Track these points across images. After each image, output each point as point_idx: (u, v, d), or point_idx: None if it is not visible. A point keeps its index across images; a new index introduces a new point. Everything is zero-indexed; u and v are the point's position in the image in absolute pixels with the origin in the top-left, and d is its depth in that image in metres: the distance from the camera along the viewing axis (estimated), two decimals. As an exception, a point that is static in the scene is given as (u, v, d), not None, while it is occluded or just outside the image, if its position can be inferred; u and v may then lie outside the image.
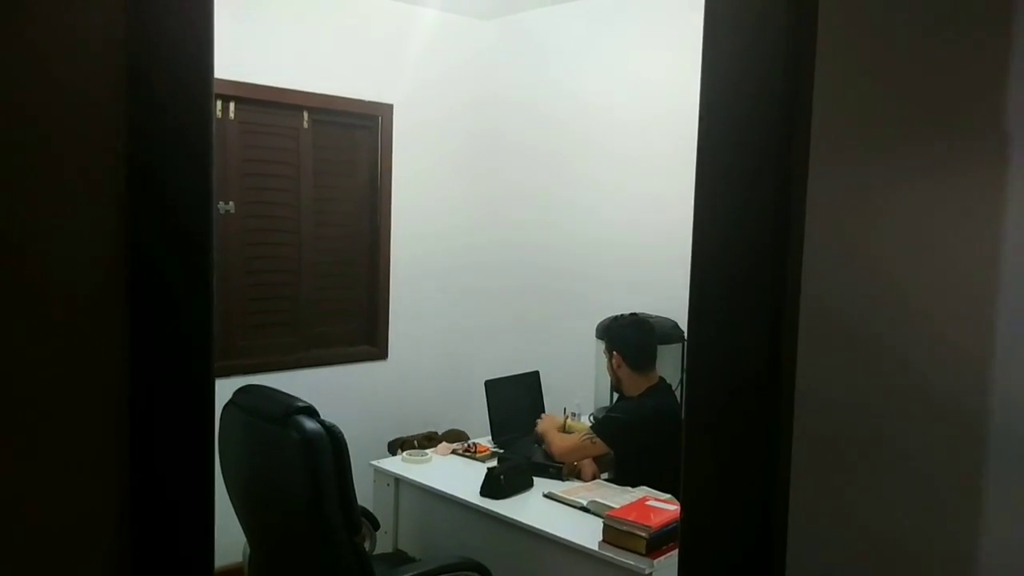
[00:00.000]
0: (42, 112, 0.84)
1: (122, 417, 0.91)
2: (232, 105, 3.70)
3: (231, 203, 3.74)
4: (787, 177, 0.99)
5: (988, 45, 0.88)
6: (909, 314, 0.93)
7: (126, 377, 0.90)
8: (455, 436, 3.95)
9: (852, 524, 0.98)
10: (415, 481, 3.20)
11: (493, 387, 3.57)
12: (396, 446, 3.91)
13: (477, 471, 3.11)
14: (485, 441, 3.56)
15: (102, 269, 0.89)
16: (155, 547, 0.94)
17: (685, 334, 3.17)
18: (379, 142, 4.21)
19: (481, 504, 2.92)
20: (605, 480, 3.14)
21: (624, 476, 3.11)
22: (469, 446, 3.50)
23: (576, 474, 3.17)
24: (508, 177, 4.50)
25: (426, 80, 4.31)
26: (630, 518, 2.51)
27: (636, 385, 3.26)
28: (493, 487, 2.95)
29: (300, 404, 2.48)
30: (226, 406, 2.69)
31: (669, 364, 3.42)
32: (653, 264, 3.75)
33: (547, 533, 2.69)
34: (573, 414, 3.65)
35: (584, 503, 2.83)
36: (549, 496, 2.95)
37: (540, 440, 3.39)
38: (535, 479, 3.08)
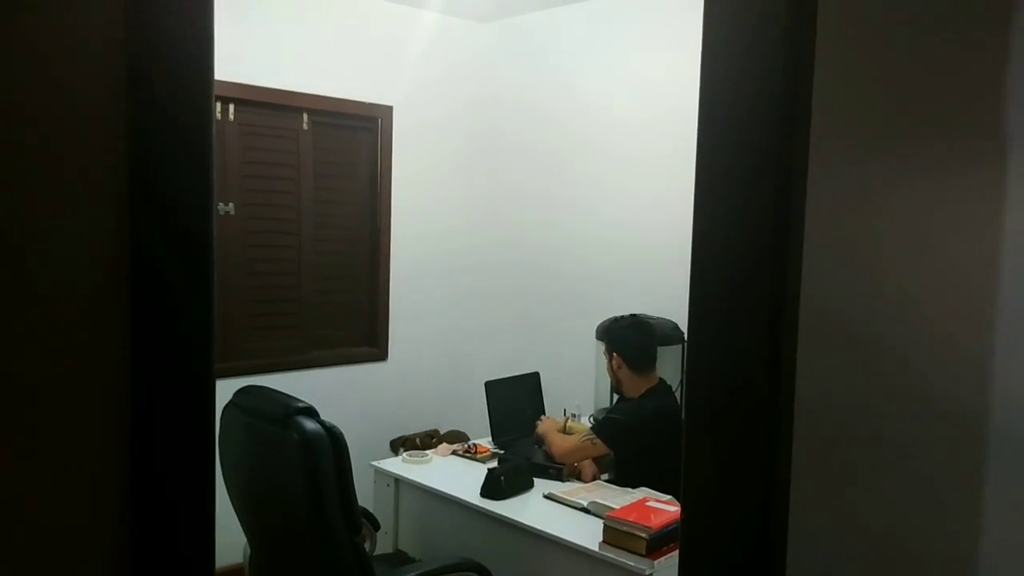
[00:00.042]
0: (42, 112, 0.84)
1: (122, 417, 0.91)
2: (232, 107, 3.70)
3: (231, 205, 3.74)
4: (787, 177, 0.99)
5: (988, 45, 0.88)
6: (909, 314, 0.93)
7: (126, 377, 0.90)
8: (455, 437, 3.95)
9: (852, 524, 0.98)
10: (415, 482, 3.20)
11: (493, 388, 3.57)
12: (398, 444, 3.91)
13: (477, 472, 3.11)
14: (485, 442, 3.56)
15: (102, 269, 0.89)
16: (156, 547, 0.94)
17: (685, 336, 3.18)
18: (379, 144, 4.21)
19: (481, 505, 2.92)
20: (605, 481, 3.14)
21: (624, 477, 3.11)
22: (469, 447, 3.50)
23: (576, 475, 3.17)
24: (508, 178, 4.51)
25: (426, 82, 4.32)
26: (630, 519, 2.51)
27: (636, 386, 3.26)
28: (493, 488, 2.95)
29: (300, 405, 2.48)
30: (226, 407, 2.69)
31: (669, 365, 3.42)
32: (653, 265, 3.76)
33: (547, 534, 2.69)
34: (573, 415, 3.65)
35: (584, 504, 2.83)
36: (549, 497, 2.95)
37: (540, 441, 3.40)
38: (535, 480, 3.08)
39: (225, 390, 2.41)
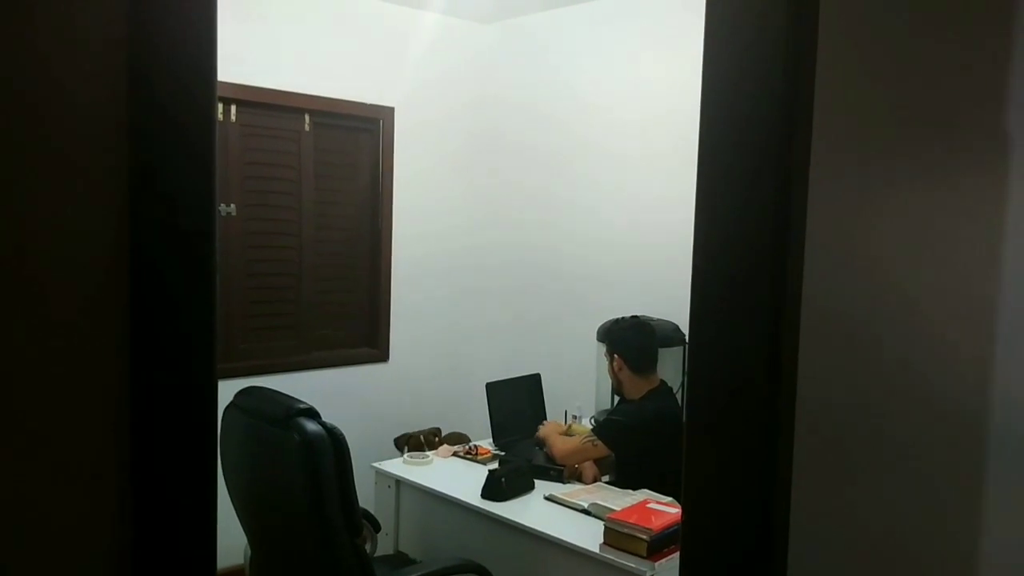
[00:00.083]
0: (43, 112, 0.84)
1: (123, 418, 0.91)
2: (233, 108, 3.70)
3: (232, 205, 3.75)
4: (787, 177, 0.99)
5: (988, 46, 0.88)
6: (910, 314, 0.93)
7: (127, 378, 0.90)
8: (456, 438, 3.95)
9: (852, 524, 0.98)
10: (416, 483, 3.20)
11: (494, 389, 3.57)
12: (403, 442, 3.92)
13: (478, 473, 3.11)
14: (486, 443, 3.57)
15: (103, 270, 0.89)
16: (157, 549, 0.94)
17: (686, 337, 3.18)
18: (380, 145, 4.21)
19: (482, 506, 2.92)
20: (606, 483, 3.14)
21: (625, 479, 3.11)
22: (470, 448, 3.50)
23: (577, 477, 3.17)
24: (509, 179, 4.51)
25: (427, 83, 4.32)
26: (631, 521, 2.51)
27: (637, 388, 3.26)
28: (494, 489, 2.95)
29: (301, 406, 2.48)
30: (227, 408, 2.69)
31: (670, 367, 3.42)
32: (654, 266, 3.76)
33: (548, 535, 2.69)
34: (575, 416, 3.65)
35: (585, 506, 2.83)
36: (550, 498, 2.95)
37: (541, 443, 3.40)
38: (536, 481, 3.08)
39: (226, 391, 2.41)
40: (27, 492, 0.87)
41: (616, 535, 2.51)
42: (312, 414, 2.47)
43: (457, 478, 3.19)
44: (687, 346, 3.25)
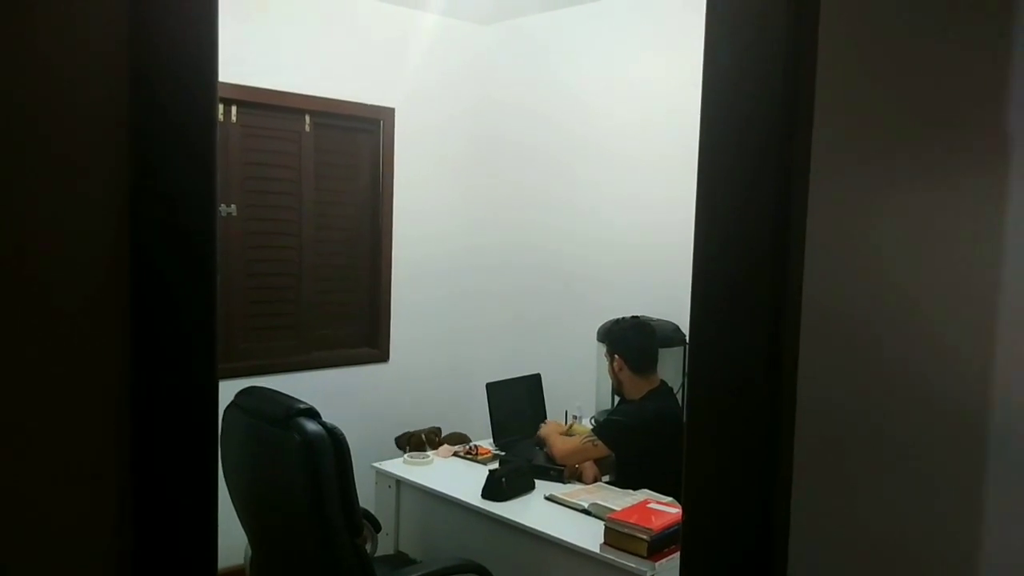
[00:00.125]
0: (44, 112, 0.84)
1: (123, 418, 0.91)
2: (234, 108, 3.70)
3: (233, 206, 3.75)
4: (787, 177, 0.99)
5: (989, 46, 0.88)
6: (910, 314, 0.93)
7: (127, 378, 0.90)
8: (456, 438, 3.95)
9: (853, 524, 0.98)
10: (416, 483, 3.20)
11: (494, 389, 3.57)
12: (404, 441, 3.92)
13: (478, 473, 3.11)
14: (486, 443, 3.57)
15: (103, 270, 0.89)
16: (157, 549, 0.94)
17: (687, 337, 3.18)
18: (380, 145, 4.22)
19: (482, 506, 2.92)
20: (606, 483, 3.14)
21: (625, 479, 3.11)
22: (470, 448, 3.50)
23: (577, 477, 3.17)
24: (509, 179, 4.51)
25: (427, 84, 4.32)
26: (631, 521, 2.51)
27: (637, 388, 3.26)
28: (494, 489, 2.95)
29: (302, 406, 2.48)
30: (228, 408, 2.69)
31: (670, 367, 3.42)
32: (654, 266, 3.76)
33: (548, 535, 2.69)
34: (575, 417, 3.65)
35: (585, 506, 2.83)
36: (550, 499, 2.95)
37: (541, 443, 3.40)
38: (536, 482, 3.08)
39: (226, 391, 2.41)
40: (27, 492, 0.87)
41: (616, 535, 2.51)
42: (312, 414, 2.47)
43: (457, 478, 3.19)
44: (687, 346, 3.25)
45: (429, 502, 3.18)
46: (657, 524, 2.49)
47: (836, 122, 0.97)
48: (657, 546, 2.45)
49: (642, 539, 2.45)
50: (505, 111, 4.49)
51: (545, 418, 3.70)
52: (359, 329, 4.29)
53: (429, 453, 3.52)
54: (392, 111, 4.20)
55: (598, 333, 3.64)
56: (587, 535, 2.63)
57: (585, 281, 4.13)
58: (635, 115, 3.90)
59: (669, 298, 3.51)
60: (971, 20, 0.89)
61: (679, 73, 3.57)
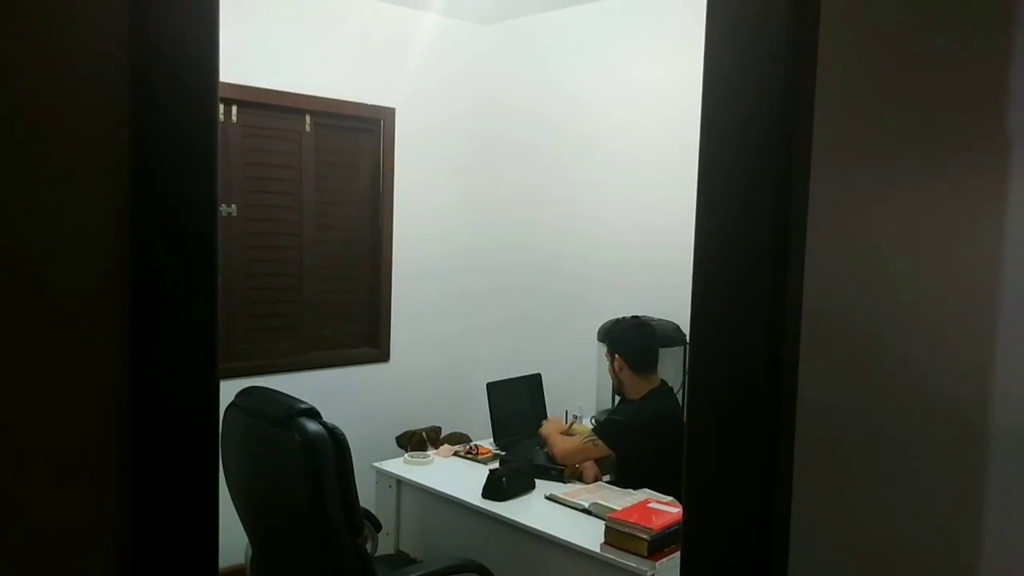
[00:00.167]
0: (44, 112, 0.84)
1: (123, 418, 0.91)
2: (234, 108, 3.70)
3: (233, 206, 3.75)
4: (788, 177, 0.99)
5: (990, 46, 0.88)
6: (910, 315, 0.93)
7: (127, 378, 0.91)
8: (457, 438, 3.95)
9: (853, 524, 0.98)
10: (417, 483, 3.21)
11: (495, 389, 3.57)
12: (405, 440, 3.92)
13: (479, 473, 3.12)
14: (487, 443, 3.57)
15: (103, 270, 0.89)
16: (158, 549, 0.94)
17: (687, 337, 3.18)
18: (381, 145, 4.22)
19: (483, 506, 2.92)
20: (607, 482, 3.14)
21: (626, 478, 3.11)
22: (471, 448, 3.50)
23: (578, 476, 3.17)
24: (509, 179, 4.51)
25: (427, 84, 4.32)
26: (632, 520, 2.51)
27: (638, 388, 3.26)
28: (495, 489, 2.95)
29: (302, 406, 2.48)
30: (228, 408, 2.69)
31: (671, 367, 3.42)
32: (655, 266, 3.76)
33: (549, 535, 2.69)
34: (576, 416, 3.65)
35: (586, 505, 2.83)
36: (551, 498, 2.95)
37: (542, 442, 3.40)
38: (537, 481, 3.08)
39: (227, 391, 2.41)
40: (27, 492, 0.87)
41: (617, 535, 2.51)
42: (313, 414, 2.47)
43: (458, 478, 3.19)
44: (688, 346, 3.25)
45: (430, 502, 3.18)
46: (657, 524, 2.49)
47: (836, 122, 0.97)
48: (657, 546, 2.45)
49: (642, 539, 2.45)
50: (505, 111, 4.49)
51: (546, 418, 3.69)
52: (359, 329, 4.29)
53: (429, 453, 3.52)
54: (392, 111, 4.20)
55: (598, 333, 3.64)
56: (587, 535, 2.63)
57: (585, 281, 4.13)
58: (635, 115, 3.90)
59: (669, 298, 3.50)
60: (971, 20, 0.89)
61: (679, 73, 3.57)
